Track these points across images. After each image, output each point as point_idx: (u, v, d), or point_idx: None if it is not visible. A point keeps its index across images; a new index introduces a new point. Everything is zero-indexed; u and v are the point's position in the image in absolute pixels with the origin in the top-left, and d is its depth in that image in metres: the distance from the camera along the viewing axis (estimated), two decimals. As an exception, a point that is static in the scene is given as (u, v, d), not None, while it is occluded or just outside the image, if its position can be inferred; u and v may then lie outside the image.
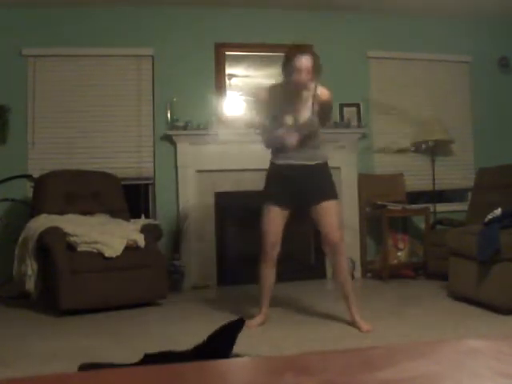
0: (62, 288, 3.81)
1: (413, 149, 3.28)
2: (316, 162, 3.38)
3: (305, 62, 3.17)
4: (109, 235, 4.07)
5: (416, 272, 5.29)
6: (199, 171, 5.13)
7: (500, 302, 3.45)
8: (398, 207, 5.25)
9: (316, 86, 3.31)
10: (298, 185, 3.34)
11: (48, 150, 5.03)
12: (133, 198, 5.01)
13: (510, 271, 3.42)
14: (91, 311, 3.83)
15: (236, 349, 1.59)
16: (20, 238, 4.12)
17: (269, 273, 3.45)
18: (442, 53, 5.75)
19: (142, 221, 4.60)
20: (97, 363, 1.83)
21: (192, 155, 5.12)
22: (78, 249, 3.96)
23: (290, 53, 3.26)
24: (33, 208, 4.41)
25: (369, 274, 5.38)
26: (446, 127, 5.53)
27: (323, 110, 3.38)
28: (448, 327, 3.18)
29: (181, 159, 5.12)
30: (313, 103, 3.30)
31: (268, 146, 3.47)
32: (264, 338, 3.06)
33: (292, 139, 3.26)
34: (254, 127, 3.59)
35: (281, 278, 5.13)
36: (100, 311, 3.84)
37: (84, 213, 4.42)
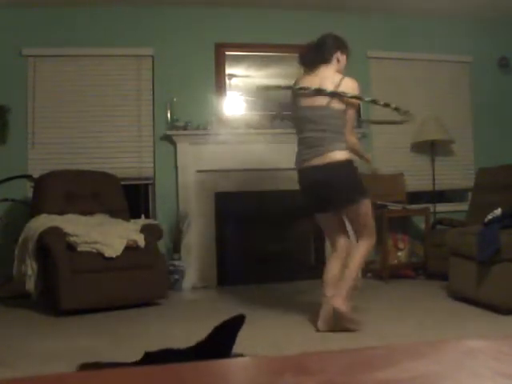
0: (62, 288, 3.81)
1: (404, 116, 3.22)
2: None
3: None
4: (109, 235, 4.07)
5: (416, 272, 5.29)
6: (199, 171, 5.13)
7: (500, 302, 3.45)
8: (398, 207, 5.25)
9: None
10: (319, 192, 3.43)
11: (48, 150, 5.03)
12: (133, 198, 5.01)
13: (510, 271, 3.43)
14: (91, 311, 3.83)
15: (237, 349, 1.59)
16: (20, 238, 4.12)
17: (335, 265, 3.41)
18: (442, 53, 5.75)
19: (142, 221, 4.60)
20: (97, 362, 1.83)
21: (192, 155, 5.12)
22: (78, 249, 3.96)
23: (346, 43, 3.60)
24: (33, 208, 4.41)
25: (369, 274, 5.38)
26: (446, 127, 5.53)
27: None
28: (448, 327, 3.18)
29: (181, 159, 5.12)
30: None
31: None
32: (264, 338, 3.06)
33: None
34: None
35: (281, 277, 5.17)
36: (100, 311, 3.84)
37: (84, 213, 4.42)
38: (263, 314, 3.42)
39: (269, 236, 5.56)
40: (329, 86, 3.23)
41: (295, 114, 3.43)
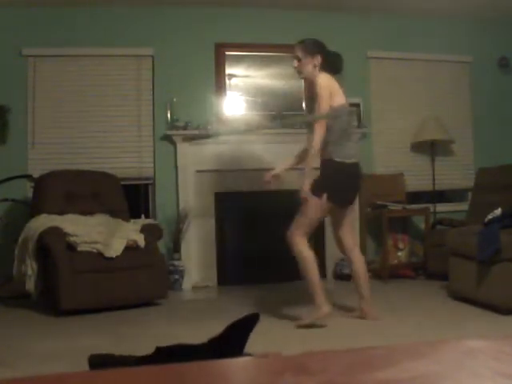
0: (62, 288, 3.81)
1: None
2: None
3: (293, 50, 3.54)
4: (109, 235, 4.07)
5: (416, 272, 5.28)
6: (199, 171, 5.12)
7: (500, 302, 3.45)
8: (398, 207, 5.24)
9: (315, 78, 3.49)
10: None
11: (48, 150, 5.03)
12: (133, 198, 5.01)
13: (510, 271, 3.43)
14: (91, 311, 3.83)
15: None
16: (20, 238, 4.12)
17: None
18: (442, 53, 5.75)
19: (142, 221, 4.60)
20: (107, 354, 1.82)
21: (192, 155, 5.11)
22: (78, 249, 3.97)
23: None
24: (33, 208, 4.41)
25: (369, 274, 5.37)
26: (446, 127, 5.53)
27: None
28: (448, 327, 3.18)
29: (181, 159, 5.12)
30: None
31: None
32: (264, 338, 3.06)
33: None
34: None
35: (281, 277, 5.16)
36: (100, 311, 3.84)
37: (84, 213, 4.41)
38: (263, 313, 3.41)
39: (269, 236, 5.56)
40: None
41: (342, 111, 3.50)
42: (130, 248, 4.09)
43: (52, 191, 4.44)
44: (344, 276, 5.21)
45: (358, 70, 5.60)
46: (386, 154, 5.68)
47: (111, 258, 3.97)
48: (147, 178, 5.23)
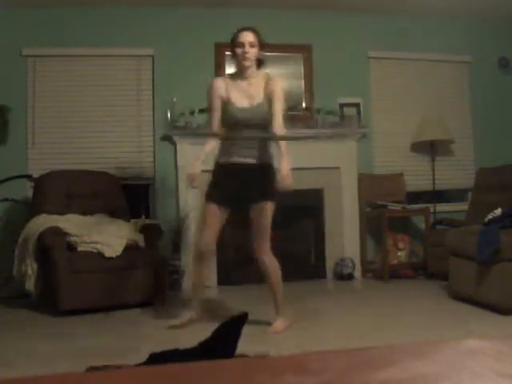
0: (62, 288, 3.82)
1: None
2: (261, 162, 3.28)
3: (246, 35, 3.31)
4: (109, 235, 4.07)
5: (416, 272, 5.29)
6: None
7: (500, 302, 3.45)
8: (398, 207, 5.25)
9: (268, 76, 3.37)
10: (239, 185, 3.25)
11: (48, 150, 5.03)
12: (133, 198, 5.01)
13: (510, 271, 3.43)
14: (91, 311, 3.83)
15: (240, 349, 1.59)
16: (20, 238, 4.12)
17: (201, 270, 3.40)
18: (442, 53, 5.75)
19: (142, 221, 4.60)
20: (105, 366, 1.83)
21: (192, 155, 5.10)
22: (78, 249, 3.97)
23: (234, 34, 3.38)
24: (33, 208, 4.41)
25: (369, 274, 5.38)
26: (446, 127, 5.53)
27: (274, 105, 3.29)
28: (448, 327, 3.18)
29: (181, 159, 5.11)
30: (265, 93, 3.30)
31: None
32: (264, 338, 3.06)
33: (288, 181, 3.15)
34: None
35: (281, 278, 5.15)
36: (100, 311, 3.84)
37: (84, 213, 4.42)
38: (263, 313, 3.41)
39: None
40: None
41: None
42: (130, 248, 4.09)
43: (52, 191, 4.44)
44: (344, 276, 5.22)
45: (358, 70, 5.60)
46: (386, 153, 5.68)
47: (111, 258, 3.97)
48: (147, 178, 5.23)
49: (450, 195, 6.07)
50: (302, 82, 5.51)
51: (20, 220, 4.43)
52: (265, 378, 0.58)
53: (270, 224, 3.30)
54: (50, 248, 3.89)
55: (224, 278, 5.13)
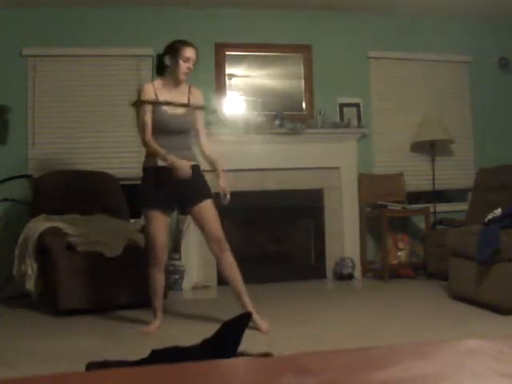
0: (62, 288, 3.81)
1: None
2: (193, 163, 3.43)
3: (193, 53, 3.54)
4: (109, 235, 4.07)
5: (416, 272, 5.29)
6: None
7: (500, 302, 3.45)
8: (398, 207, 5.25)
9: (190, 85, 3.59)
10: (177, 186, 3.31)
11: (48, 150, 5.03)
12: (133, 198, 5.01)
13: (510, 271, 3.43)
14: (91, 311, 3.83)
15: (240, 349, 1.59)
16: (20, 238, 4.12)
17: (161, 277, 3.48)
18: (442, 53, 5.75)
19: (142, 221, 4.59)
20: (104, 361, 1.83)
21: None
22: (78, 249, 3.96)
23: (179, 43, 3.54)
24: (33, 208, 4.41)
25: (369, 274, 5.38)
26: (446, 127, 5.53)
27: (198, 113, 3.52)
28: (448, 327, 3.18)
29: (181, 159, 5.10)
30: (188, 100, 3.51)
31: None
32: (264, 338, 3.06)
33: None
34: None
35: (281, 278, 5.16)
36: (100, 311, 3.84)
37: (84, 213, 4.41)
38: (263, 313, 3.41)
39: (269, 236, 5.57)
40: None
41: None
42: (130, 248, 4.08)
43: (52, 191, 4.45)
44: (344, 276, 5.22)
45: (358, 70, 5.60)
46: (386, 153, 5.68)
47: (111, 258, 3.97)
48: (147, 178, 5.22)
49: (449, 195, 6.07)
50: (302, 82, 5.51)
51: (20, 220, 4.43)
52: (265, 377, 0.58)
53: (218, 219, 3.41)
54: (50, 248, 3.89)
55: (224, 278, 5.12)
